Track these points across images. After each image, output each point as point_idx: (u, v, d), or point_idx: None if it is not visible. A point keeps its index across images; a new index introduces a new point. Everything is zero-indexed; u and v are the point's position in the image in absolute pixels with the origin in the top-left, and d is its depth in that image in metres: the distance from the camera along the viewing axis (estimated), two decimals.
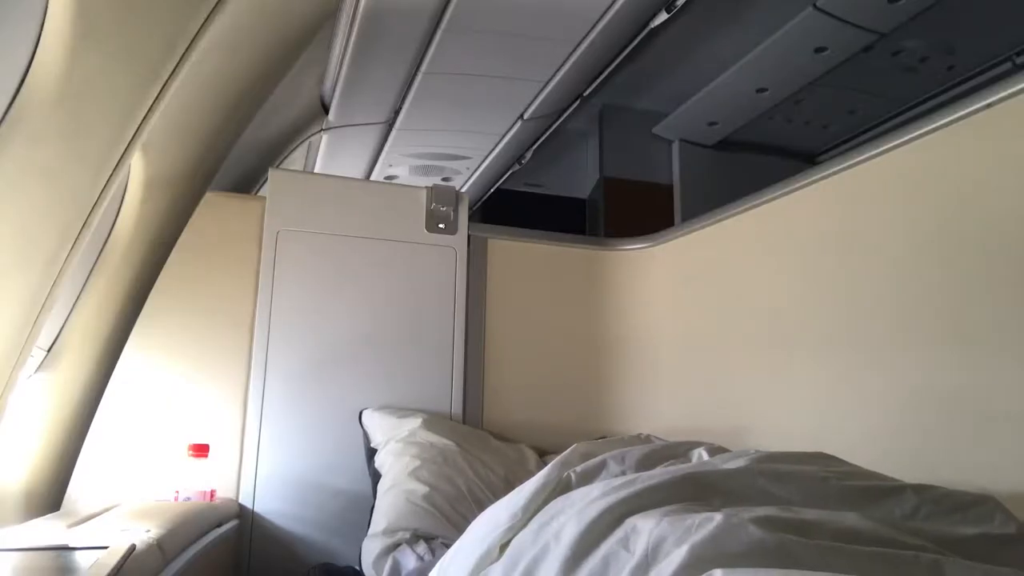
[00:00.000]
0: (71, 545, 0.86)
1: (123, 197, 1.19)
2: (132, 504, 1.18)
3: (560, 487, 0.68)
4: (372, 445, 1.41)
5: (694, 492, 0.60)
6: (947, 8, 2.40)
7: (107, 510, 1.10)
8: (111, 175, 0.88)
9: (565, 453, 0.75)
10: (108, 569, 0.72)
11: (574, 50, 2.22)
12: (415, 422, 1.40)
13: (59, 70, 0.71)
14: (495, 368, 1.59)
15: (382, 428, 1.41)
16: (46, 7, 0.68)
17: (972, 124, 0.99)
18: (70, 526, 0.97)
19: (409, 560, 1.16)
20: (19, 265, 0.82)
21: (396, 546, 1.21)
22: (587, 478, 0.72)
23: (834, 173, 1.22)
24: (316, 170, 2.99)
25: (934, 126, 1.05)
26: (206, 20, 0.86)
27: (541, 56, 2.28)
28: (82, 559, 0.79)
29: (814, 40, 2.62)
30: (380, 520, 1.27)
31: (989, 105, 0.96)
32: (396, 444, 1.37)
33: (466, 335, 1.57)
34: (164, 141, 1.18)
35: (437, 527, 1.24)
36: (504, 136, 2.96)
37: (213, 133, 1.34)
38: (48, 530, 0.97)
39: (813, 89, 3.06)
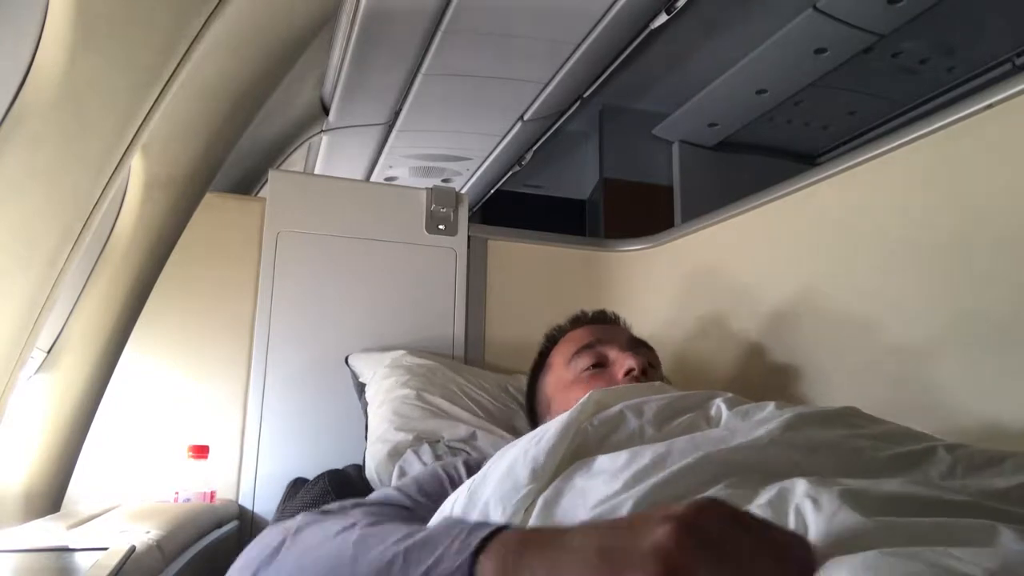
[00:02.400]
0: (71, 546, 0.86)
1: (123, 198, 1.19)
2: (132, 505, 1.18)
3: (578, 440, 0.65)
4: (361, 380, 1.42)
5: (727, 472, 0.58)
6: (947, 10, 2.41)
7: (107, 511, 1.10)
8: (111, 176, 0.88)
9: (581, 401, 0.71)
10: (108, 570, 0.72)
11: (574, 51, 2.22)
12: (399, 352, 1.42)
13: (59, 72, 0.71)
14: (495, 368, 1.60)
15: (368, 363, 1.42)
16: (46, 8, 0.68)
17: (971, 125, 1.00)
18: (70, 527, 0.97)
19: (415, 468, 1.14)
20: (19, 266, 0.82)
21: (399, 453, 1.19)
22: (605, 429, 0.69)
23: (835, 174, 1.22)
24: (316, 171, 3.00)
25: (933, 127, 1.05)
26: (206, 21, 0.86)
27: (541, 57, 2.28)
28: (82, 560, 0.79)
29: (814, 41, 2.63)
30: (377, 428, 1.27)
31: (990, 106, 0.97)
32: (383, 370, 1.38)
33: (466, 335, 1.57)
34: (164, 142, 1.18)
35: (438, 424, 1.24)
36: (504, 137, 2.97)
37: (214, 134, 1.34)
38: (48, 531, 0.97)
39: (813, 90, 3.07)
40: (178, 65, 0.85)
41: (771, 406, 0.75)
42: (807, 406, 0.75)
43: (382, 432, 1.25)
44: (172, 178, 1.27)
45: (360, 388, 1.41)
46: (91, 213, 0.86)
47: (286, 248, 1.49)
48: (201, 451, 1.30)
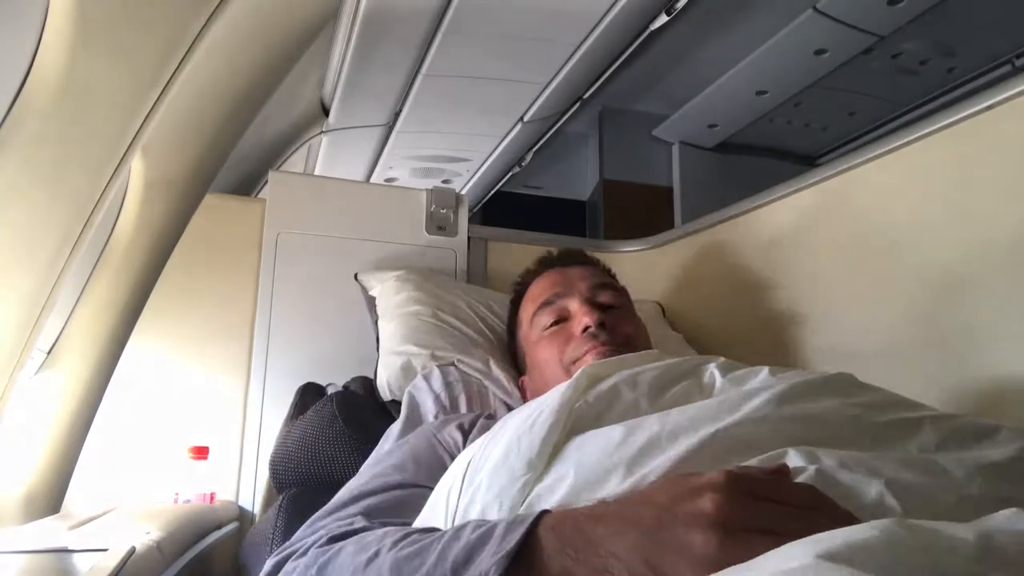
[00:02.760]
0: (70, 547, 0.86)
1: (123, 199, 1.19)
2: (132, 506, 1.18)
3: (573, 418, 0.65)
4: (371, 294, 1.40)
5: (725, 451, 0.57)
6: (947, 11, 2.41)
7: (107, 512, 1.10)
8: (111, 177, 0.88)
9: (575, 376, 0.70)
10: (107, 571, 0.72)
11: (574, 52, 2.22)
12: (402, 270, 1.41)
13: (59, 73, 0.71)
14: None
15: (376, 276, 1.41)
16: (47, 10, 0.68)
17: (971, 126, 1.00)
18: (69, 528, 0.97)
19: (426, 399, 1.11)
20: (20, 267, 0.82)
21: (412, 368, 1.18)
22: (600, 406, 0.68)
23: (836, 175, 1.23)
24: (316, 172, 2.99)
25: (932, 129, 1.05)
26: (207, 22, 0.86)
27: (541, 58, 2.28)
28: (82, 561, 0.79)
29: (814, 42, 2.63)
30: (389, 340, 1.25)
31: (989, 107, 0.97)
32: (392, 283, 1.36)
33: None
34: (165, 143, 1.18)
35: (451, 342, 1.22)
36: (504, 138, 2.97)
37: (214, 135, 1.34)
38: (47, 532, 0.97)
39: (813, 91, 3.06)
40: (178, 66, 0.85)
41: (764, 372, 0.75)
42: (800, 372, 0.74)
43: (395, 345, 1.23)
44: (172, 179, 1.27)
45: (371, 302, 1.39)
46: (91, 214, 0.86)
47: (286, 249, 1.49)
48: (201, 452, 1.30)
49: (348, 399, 1.18)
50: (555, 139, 3.16)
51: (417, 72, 2.33)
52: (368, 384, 1.27)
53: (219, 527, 1.21)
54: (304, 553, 0.66)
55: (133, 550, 0.80)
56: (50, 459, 1.16)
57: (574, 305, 1.02)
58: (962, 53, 2.70)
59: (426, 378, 1.15)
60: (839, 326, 1.21)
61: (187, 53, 0.85)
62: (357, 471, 0.88)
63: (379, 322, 1.33)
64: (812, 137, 3.59)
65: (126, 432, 1.33)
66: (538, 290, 1.09)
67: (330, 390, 1.27)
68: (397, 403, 1.16)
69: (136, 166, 1.16)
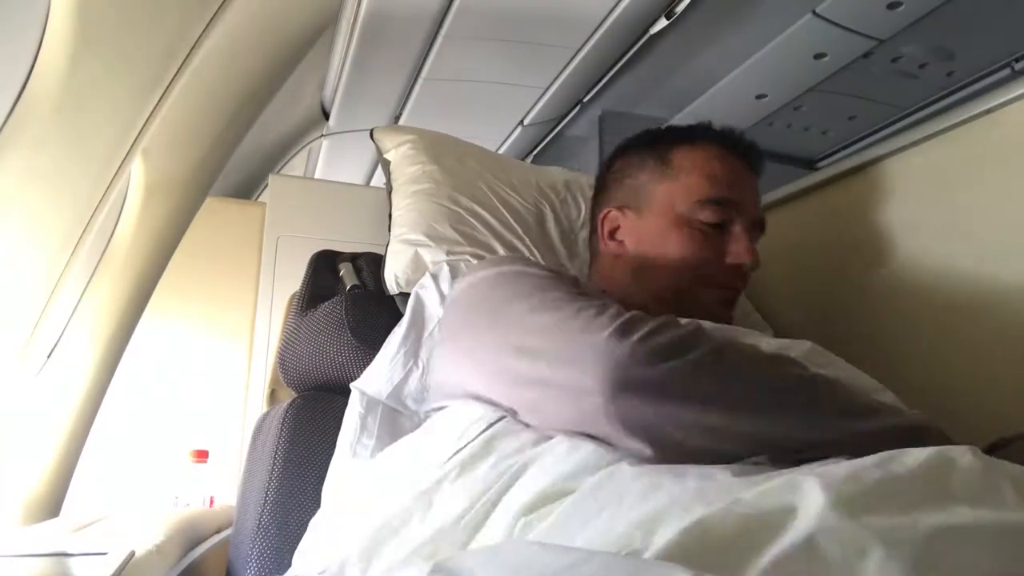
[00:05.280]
0: (70, 551, 0.86)
1: (124, 202, 1.19)
2: (131, 509, 1.18)
3: None
4: (385, 156, 1.28)
5: None
6: (946, 14, 2.41)
7: (106, 516, 1.10)
8: (112, 181, 0.88)
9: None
10: (107, 575, 0.72)
11: (574, 56, 2.23)
12: (418, 132, 1.30)
13: (60, 76, 0.71)
14: None
15: (392, 136, 1.30)
16: (48, 13, 0.68)
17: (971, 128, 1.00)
18: (69, 532, 0.97)
19: (432, 300, 1.02)
20: (20, 271, 0.82)
21: (421, 264, 1.08)
22: None
23: (837, 177, 1.23)
24: (316, 176, 3.00)
25: (932, 131, 1.05)
26: (207, 26, 0.86)
27: (541, 62, 2.29)
28: (81, 565, 0.79)
29: (813, 46, 2.63)
30: (401, 223, 1.15)
31: (989, 111, 0.97)
32: (408, 149, 1.24)
33: None
34: (165, 147, 1.18)
35: (468, 233, 1.11)
36: (504, 142, 2.97)
37: (214, 139, 1.35)
38: (47, 536, 0.97)
39: (812, 95, 3.07)
40: (179, 69, 0.85)
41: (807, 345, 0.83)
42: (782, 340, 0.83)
43: (406, 231, 1.14)
44: (173, 182, 1.27)
45: (385, 166, 1.29)
46: (92, 217, 0.86)
47: (286, 252, 1.49)
48: (201, 456, 1.30)
49: (359, 302, 1.09)
50: (555, 142, 3.16)
51: (417, 76, 2.33)
52: (380, 269, 1.17)
53: (219, 531, 1.20)
54: None
55: (132, 554, 0.79)
56: (50, 462, 1.16)
57: (738, 227, 0.92)
58: (961, 57, 2.70)
59: (434, 276, 1.06)
60: (842, 326, 1.21)
61: (188, 56, 0.85)
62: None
63: (392, 195, 1.23)
64: (812, 140, 3.59)
65: (126, 436, 1.33)
66: (719, 170, 0.94)
67: (342, 269, 1.18)
68: (405, 296, 1.08)
69: (136, 169, 1.16)
